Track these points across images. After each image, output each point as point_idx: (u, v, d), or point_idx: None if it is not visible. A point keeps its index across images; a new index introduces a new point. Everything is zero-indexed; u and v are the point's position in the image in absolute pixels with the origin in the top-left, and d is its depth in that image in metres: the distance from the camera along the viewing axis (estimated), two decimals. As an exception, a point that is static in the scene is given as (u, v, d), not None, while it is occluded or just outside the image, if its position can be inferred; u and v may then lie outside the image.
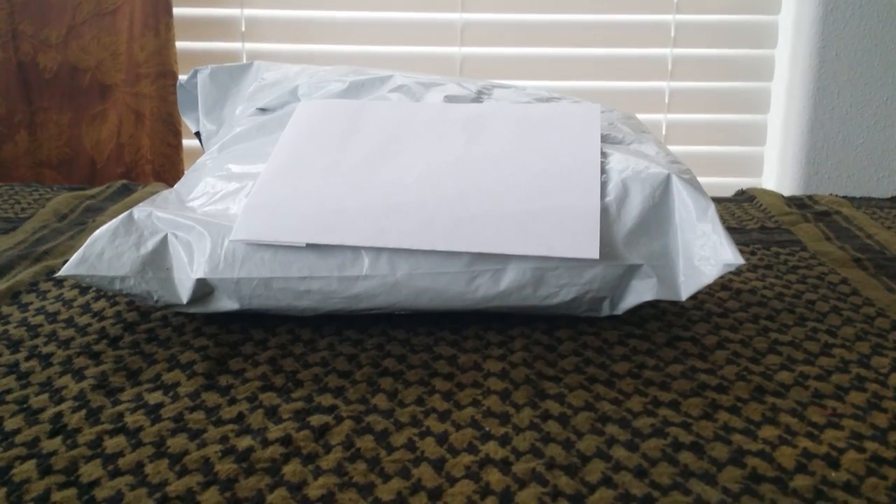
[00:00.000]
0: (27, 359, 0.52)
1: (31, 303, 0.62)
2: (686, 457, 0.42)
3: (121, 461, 0.41)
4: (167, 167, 1.53)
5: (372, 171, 0.59)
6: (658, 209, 0.56)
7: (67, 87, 1.49)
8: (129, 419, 0.45)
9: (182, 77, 0.85)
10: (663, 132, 1.68)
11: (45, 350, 0.54)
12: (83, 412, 0.46)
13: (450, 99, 0.70)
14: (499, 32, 1.61)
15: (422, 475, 0.40)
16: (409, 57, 1.61)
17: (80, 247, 0.56)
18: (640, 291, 0.55)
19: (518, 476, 0.40)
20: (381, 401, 0.47)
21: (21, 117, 1.49)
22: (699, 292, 0.64)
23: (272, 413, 0.46)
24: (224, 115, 0.80)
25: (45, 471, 0.40)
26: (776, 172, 1.71)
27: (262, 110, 0.74)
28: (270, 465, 0.41)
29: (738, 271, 0.70)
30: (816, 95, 1.61)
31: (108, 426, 0.44)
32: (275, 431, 0.44)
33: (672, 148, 1.64)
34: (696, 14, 1.62)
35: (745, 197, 1.01)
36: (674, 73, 1.65)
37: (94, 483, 0.39)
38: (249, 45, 1.59)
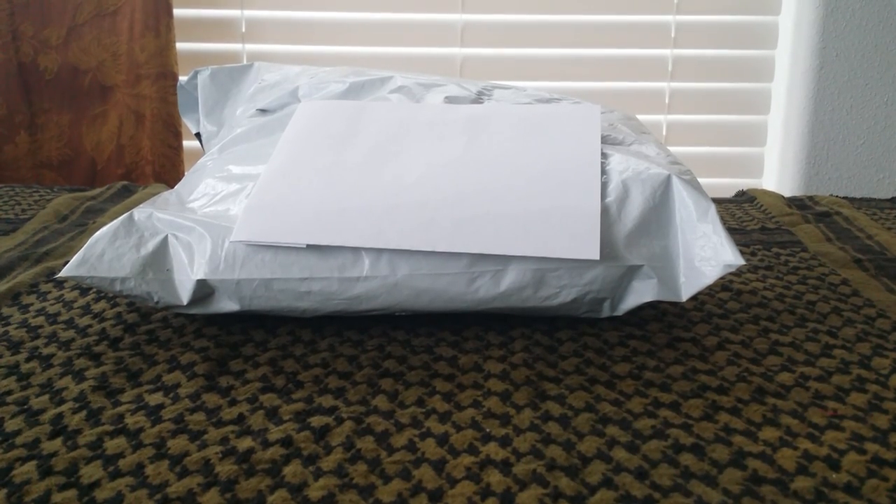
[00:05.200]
0: (28, 360, 0.52)
1: (32, 304, 0.62)
2: (687, 458, 0.41)
3: (121, 462, 0.41)
4: (167, 168, 1.53)
5: (372, 172, 0.59)
6: (658, 210, 0.56)
7: (68, 88, 1.49)
8: (130, 420, 0.45)
9: (182, 78, 0.85)
10: (663, 133, 1.68)
11: (45, 351, 0.54)
12: (84, 413, 0.46)
13: (450, 100, 0.70)
14: (499, 33, 1.61)
15: (422, 476, 0.40)
16: (409, 58, 1.61)
17: (80, 248, 0.56)
18: (641, 292, 0.55)
19: (519, 477, 0.40)
20: (381, 402, 0.47)
21: (21, 118, 1.49)
22: (700, 293, 0.64)
23: (273, 414, 0.46)
24: (224, 116, 0.80)
25: (45, 472, 0.40)
26: (776, 173, 1.71)
27: (263, 111, 0.74)
28: (271, 466, 0.41)
29: (738, 272, 0.70)
30: (817, 96, 1.61)
31: (108, 427, 0.44)
32: (275, 432, 0.44)
33: (672, 149, 1.64)
34: (696, 14, 1.62)
35: (746, 198, 1.01)
36: (674, 73, 1.65)
37: (95, 484, 0.39)
38: (250, 47, 1.59)
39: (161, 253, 0.56)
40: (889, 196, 1.42)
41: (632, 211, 0.55)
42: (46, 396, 0.48)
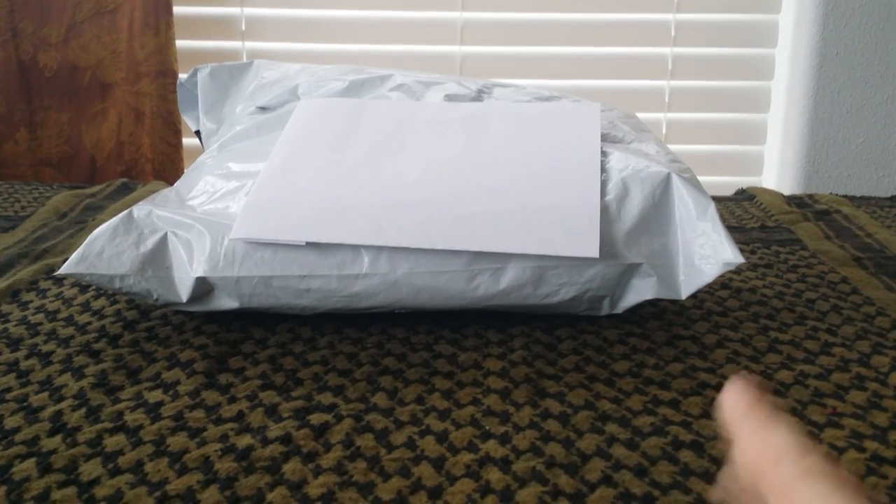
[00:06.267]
0: (27, 357, 0.52)
1: (31, 301, 0.62)
2: (686, 455, 0.41)
3: (120, 460, 0.41)
4: (167, 166, 1.53)
5: (372, 170, 0.59)
6: (658, 208, 0.56)
7: (67, 85, 1.49)
8: (129, 417, 0.45)
9: (182, 76, 0.84)
10: (663, 131, 1.68)
11: (44, 348, 0.54)
12: (83, 410, 0.46)
13: (450, 98, 0.70)
14: (499, 31, 1.61)
15: (422, 474, 0.40)
16: (409, 56, 1.61)
17: (79, 245, 0.56)
18: (640, 290, 0.55)
19: (518, 475, 0.40)
20: (381, 399, 0.47)
21: (21, 116, 1.49)
22: (699, 291, 0.64)
23: (272, 411, 0.46)
24: (224, 113, 0.80)
25: (44, 469, 0.40)
26: (776, 171, 1.71)
27: (263, 109, 0.74)
28: (270, 463, 0.41)
29: (738, 270, 0.70)
30: (816, 94, 1.61)
31: (107, 424, 0.44)
32: (275, 430, 0.44)
33: (672, 147, 1.64)
34: (696, 13, 1.62)
35: (745, 196, 1.01)
36: (674, 71, 1.65)
37: (94, 482, 0.39)
38: (249, 44, 1.59)
39: (160, 250, 0.56)
40: (889, 194, 1.42)
41: (631, 209, 0.55)
42: (46, 393, 0.48)
